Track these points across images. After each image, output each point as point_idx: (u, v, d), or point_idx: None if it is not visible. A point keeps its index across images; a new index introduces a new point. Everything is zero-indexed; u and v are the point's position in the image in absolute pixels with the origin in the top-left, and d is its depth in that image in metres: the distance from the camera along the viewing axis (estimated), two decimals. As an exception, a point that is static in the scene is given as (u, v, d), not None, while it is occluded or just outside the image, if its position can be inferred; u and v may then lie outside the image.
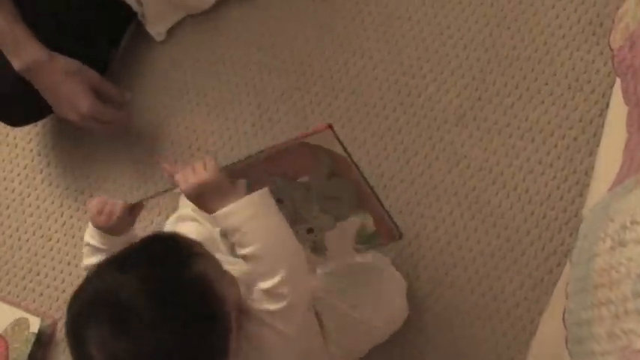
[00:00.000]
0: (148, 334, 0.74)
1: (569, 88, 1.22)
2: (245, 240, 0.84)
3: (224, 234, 0.96)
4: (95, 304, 0.77)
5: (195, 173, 0.85)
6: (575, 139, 1.20)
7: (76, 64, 1.23)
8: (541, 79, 1.24)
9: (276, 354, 0.88)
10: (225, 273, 0.86)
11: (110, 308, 0.76)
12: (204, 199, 0.86)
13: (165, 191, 0.98)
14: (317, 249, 1.07)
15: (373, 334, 1.10)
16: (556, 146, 1.21)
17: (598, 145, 1.14)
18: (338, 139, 0.91)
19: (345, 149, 0.93)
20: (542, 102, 1.23)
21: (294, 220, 0.99)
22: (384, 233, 1.03)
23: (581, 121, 1.21)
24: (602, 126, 1.15)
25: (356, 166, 0.95)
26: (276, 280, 0.84)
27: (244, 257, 0.85)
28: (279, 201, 0.94)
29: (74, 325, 0.77)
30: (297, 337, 0.88)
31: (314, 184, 0.97)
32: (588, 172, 1.18)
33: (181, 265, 0.80)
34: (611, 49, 1.06)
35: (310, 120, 1.32)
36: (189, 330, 0.76)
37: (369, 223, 1.02)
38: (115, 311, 0.75)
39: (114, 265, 0.81)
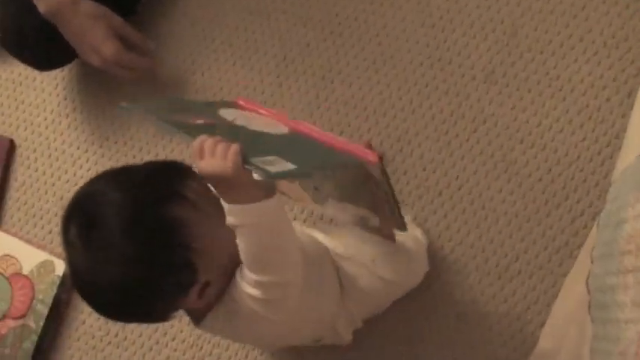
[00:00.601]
0: (104, 255, 0.80)
1: (605, 45, 1.18)
2: (241, 238, 0.82)
3: None
4: (77, 205, 0.84)
5: (217, 158, 0.78)
6: (608, 99, 1.17)
7: (101, 9, 1.22)
8: (575, 35, 1.20)
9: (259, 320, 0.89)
10: (211, 224, 0.84)
11: (84, 213, 0.83)
12: (216, 184, 0.82)
13: None
14: (316, 194, 1.03)
15: (392, 289, 1.10)
16: (587, 106, 1.18)
17: (632, 107, 1.10)
18: (384, 170, 0.87)
19: (388, 181, 0.88)
20: (576, 60, 1.19)
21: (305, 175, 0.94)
22: (385, 232, 1.02)
23: (615, 80, 1.17)
24: (638, 87, 1.12)
25: (392, 192, 0.90)
26: (265, 278, 0.83)
27: (240, 249, 0.83)
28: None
29: (63, 218, 0.84)
30: (279, 321, 0.90)
31: (340, 174, 0.93)
32: (620, 134, 1.15)
33: (158, 202, 0.82)
34: (652, 7, 1.02)
35: (335, 72, 1.29)
36: (143, 266, 0.81)
37: (375, 220, 0.99)
38: (85, 218, 0.82)
39: (109, 174, 0.87)
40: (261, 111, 1.03)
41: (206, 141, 0.79)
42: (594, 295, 0.86)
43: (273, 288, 0.84)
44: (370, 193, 0.92)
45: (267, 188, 0.81)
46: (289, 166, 0.79)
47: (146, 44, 1.29)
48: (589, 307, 0.87)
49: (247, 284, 0.85)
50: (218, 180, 0.79)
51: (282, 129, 0.95)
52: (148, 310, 0.87)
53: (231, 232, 0.82)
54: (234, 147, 0.77)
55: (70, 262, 0.84)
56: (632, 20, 1.18)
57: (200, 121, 0.90)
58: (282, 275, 0.84)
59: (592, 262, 0.89)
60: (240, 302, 0.87)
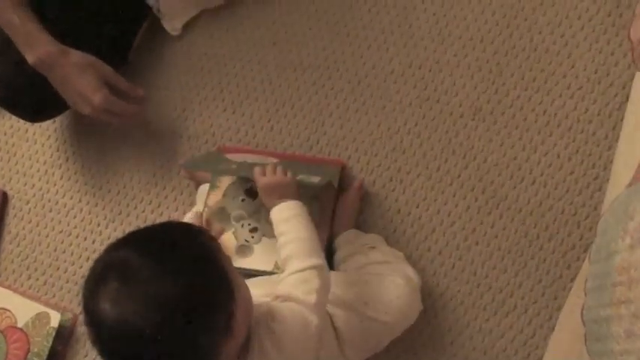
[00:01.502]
0: (149, 284, 0.78)
1: (588, 80, 1.21)
2: (293, 229, 1.02)
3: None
4: (104, 271, 0.81)
5: (278, 174, 1.09)
6: (593, 133, 1.19)
7: (88, 58, 1.23)
8: (559, 72, 1.23)
9: (300, 334, 0.92)
10: (230, 259, 0.90)
11: (121, 269, 0.80)
12: (272, 194, 1.07)
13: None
14: (244, 248, 1.21)
15: (386, 331, 1.09)
16: (574, 140, 1.20)
17: (617, 139, 1.12)
18: (340, 175, 1.23)
19: (339, 184, 1.20)
20: (560, 95, 1.22)
21: (250, 214, 1.23)
22: None
23: (599, 114, 1.19)
24: (622, 119, 1.14)
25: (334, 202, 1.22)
26: (310, 262, 0.97)
27: (287, 243, 1.01)
28: (255, 193, 1.20)
29: (87, 292, 0.81)
30: (319, 327, 0.94)
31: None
32: (607, 166, 1.16)
33: (183, 236, 0.86)
34: (631, 41, 1.04)
35: (325, 115, 1.31)
36: (191, 285, 0.79)
37: None
38: (124, 271, 0.80)
39: (125, 239, 0.85)
40: (245, 150, 1.31)
41: (266, 167, 1.10)
42: (589, 328, 0.86)
43: (314, 272, 0.97)
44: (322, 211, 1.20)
45: (298, 195, 1.08)
46: (316, 178, 1.14)
47: (135, 91, 1.30)
48: (585, 339, 0.87)
49: (299, 283, 0.96)
50: (277, 188, 1.07)
51: (273, 159, 1.23)
52: (196, 355, 0.81)
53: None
54: (289, 170, 1.10)
55: (104, 323, 0.79)
56: (613, 56, 1.20)
57: (234, 166, 1.22)
58: (320, 258, 1.00)
59: (585, 295, 0.89)
60: (280, 314, 0.91)
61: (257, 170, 1.10)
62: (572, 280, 1.14)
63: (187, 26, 1.42)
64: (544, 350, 1.13)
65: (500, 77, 1.25)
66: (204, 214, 1.23)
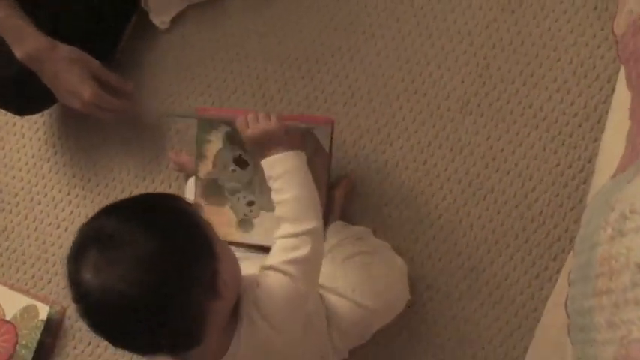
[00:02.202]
0: (133, 249, 0.77)
1: (574, 74, 1.22)
2: (286, 186, 0.96)
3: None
4: (87, 237, 0.80)
5: (261, 121, 1.00)
6: (579, 125, 1.20)
7: (77, 53, 1.23)
8: (545, 65, 1.23)
9: (285, 301, 0.90)
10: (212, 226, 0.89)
11: (100, 237, 0.79)
12: (262, 145, 0.99)
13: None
14: (245, 222, 1.18)
15: (373, 319, 1.10)
16: (560, 133, 1.21)
17: (602, 132, 1.13)
18: (332, 137, 1.08)
19: (331, 148, 1.08)
20: (546, 88, 1.22)
21: (245, 186, 1.16)
22: None
23: (585, 107, 1.20)
24: (607, 112, 1.15)
25: (328, 169, 1.13)
26: (303, 227, 0.93)
27: (280, 203, 0.96)
28: (244, 163, 1.15)
29: (69, 266, 0.80)
30: (306, 294, 0.93)
31: None
32: (593, 158, 1.17)
33: (162, 202, 0.87)
34: (615, 35, 1.05)
35: (314, 108, 1.32)
36: (172, 243, 0.79)
37: None
38: (103, 239, 0.79)
39: (105, 208, 0.84)
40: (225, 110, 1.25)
41: (247, 115, 1.01)
42: (573, 318, 0.87)
43: (306, 235, 0.93)
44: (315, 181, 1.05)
45: (294, 144, 1.00)
46: (305, 125, 1.06)
47: (124, 86, 1.30)
48: (568, 329, 0.88)
49: (279, 253, 0.92)
50: (265, 138, 0.98)
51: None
52: (183, 308, 0.81)
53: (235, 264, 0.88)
54: (273, 113, 1.00)
55: (89, 294, 0.78)
56: (598, 49, 1.21)
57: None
58: (316, 219, 0.95)
59: (569, 286, 0.90)
60: (274, 288, 0.89)
61: (239, 122, 1.01)
62: (558, 271, 1.16)
63: (175, 20, 1.42)
64: (529, 341, 1.14)
65: (486, 71, 1.25)
66: (197, 187, 1.19)
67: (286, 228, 0.94)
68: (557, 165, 1.20)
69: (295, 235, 0.93)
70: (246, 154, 1.15)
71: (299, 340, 0.96)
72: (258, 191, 1.16)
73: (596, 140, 1.18)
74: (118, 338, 0.80)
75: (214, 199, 1.19)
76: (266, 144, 0.99)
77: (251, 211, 1.17)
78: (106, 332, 0.79)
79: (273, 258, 0.93)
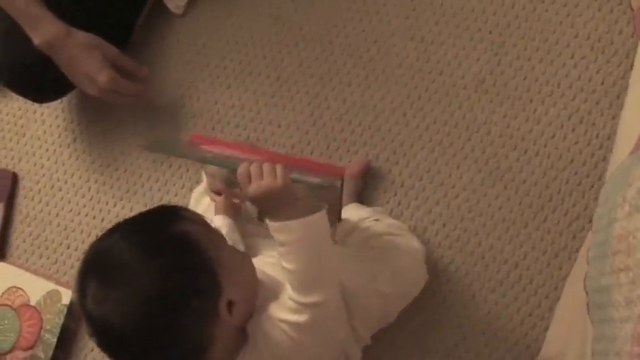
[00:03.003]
0: (130, 282, 0.80)
1: (592, 49, 1.20)
2: (290, 257, 0.86)
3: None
4: (88, 265, 0.83)
5: (266, 177, 0.85)
6: (597, 102, 1.18)
7: (94, 39, 1.24)
8: (562, 42, 1.22)
9: (287, 352, 0.89)
10: (222, 242, 0.89)
11: (99, 267, 0.82)
12: (267, 204, 0.87)
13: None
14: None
15: (394, 302, 1.10)
16: (578, 110, 1.19)
17: (621, 109, 1.12)
18: (342, 189, 0.95)
19: (341, 198, 0.98)
20: (564, 65, 1.21)
21: None
22: None
23: (603, 83, 1.18)
24: (626, 88, 1.13)
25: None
26: (305, 299, 0.86)
27: (285, 268, 0.87)
28: None
29: (76, 288, 0.83)
30: (311, 346, 0.90)
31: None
32: (611, 135, 1.16)
33: (163, 224, 0.84)
34: (632, 9, 1.03)
35: (328, 89, 1.31)
36: (169, 276, 0.80)
37: None
38: (102, 269, 0.81)
39: (110, 230, 0.86)
40: (221, 143, 1.10)
41: (251, 165, 0.85)
42: (592, 296, 0.86)
43: (318, 309, 0.86)
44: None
45: (312, 204, 0.86)
46: (314, 179, 0.90)
47: (140, 71, 1.31)
48: (587, 308, 0.88)
49: (281, 308, 0.87)
50: (269, 198, 0.85)
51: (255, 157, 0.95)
52: (184, 337, 0.82)
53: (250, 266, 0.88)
54: (279, 165, 0.85)
55: (96, 320, 0.81)
56: (616, 24, 1.19)
57: (209, 155, 0.99)
58: (323, 295, 0.86)
59: (588, 264, 0.90)
60: (276, 336, 0.87)
61: (241, 174, 0.87)
62: (577, 250, 1.14)
63: (190, 5, 1.42)
64: (550, 321, 1.14)
65: (502, 48, 1.24)
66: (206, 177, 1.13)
67: (289, 289, 0.87)
68: (576, 142, 1.18)
69: (296, 302, 0.86)
70: None
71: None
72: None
73: (615, 117, 1.16)
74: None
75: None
76: (269, 203, 0.87)
77: None
78: (111, 355, 0.84)
79: (276, 309, 0.88)
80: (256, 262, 0.95)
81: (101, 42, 1.25)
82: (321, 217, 0.86)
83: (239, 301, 0.85)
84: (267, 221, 0.87)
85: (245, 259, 0.92)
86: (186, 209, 0.92)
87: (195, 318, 0.81)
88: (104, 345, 0.82)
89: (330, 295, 0.88)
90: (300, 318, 0.86)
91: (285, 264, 0.86)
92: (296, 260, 0.85)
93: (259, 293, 0.91)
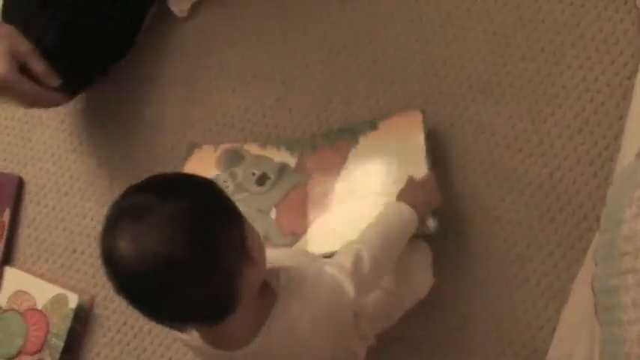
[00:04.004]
0: (162, 214, 0.77)
1: (597, 50, 1.19)
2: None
3: None
4: (117, 214, 0.80)
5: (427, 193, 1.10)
6: (603, 103, 1.18)
7: (8, 29, 1.19)
8: (567, 42, 1.21)
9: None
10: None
11: (129, 211, 0.79)
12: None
13: None
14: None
15: (400, 302, 1.10)
16: (584, 110, 1.19)
17: (627, 109, 1.11)
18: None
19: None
20: (569, 66, 1.20)
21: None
22: None
23: (609, 84, 1.18)
24: (632, 89, 1.12)
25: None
26: (368, 256, 0.95)
27: (374, 231, 1.00)
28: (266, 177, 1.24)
29: (104, 237, 0.79)
30: (354, 299, 0.92)
31: None
32: (618, 136, 1.15)
33: (188, 175, 0.88)
34: (638, 9, 1.03)
35: (333, 92, 1.31)
36: (199, 200, 0.80)
37: None
38: (133, 211, 0.78)
39: (134, 187, 0.83)
40: None
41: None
42: (599, 298, 0.86)
43: (370, 265, 0.95)
44: None
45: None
46: None
47: (49, 78, 1.23)
48: (595, 309, 0.87)
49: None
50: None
51: None
52: (219, 274, 0.80)
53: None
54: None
55: (125, 262, 0.77)
56: (622, 24, 1.19)
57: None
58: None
59: (595, 265, 0.89)
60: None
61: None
62: (585, 251, 1.14)
63: (194, 8, 1.42)
64: (557, 322, 1.13)
65: (507, 49, 1.24)
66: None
67: (360, 247, 0.96)
68: (582, 143, 1.18)
69: (360, 254, 0.95)
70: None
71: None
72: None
73: (622, 117, 1.15)
74: (152, 306, 0.80)
75: None
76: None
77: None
78: (141, 301, 0.79)
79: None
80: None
81: (14, 34, 1.19)
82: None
83: (257, 249, 0.84)
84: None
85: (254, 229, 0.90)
86: None
87: (228, 245, 0.80)
88: (135, 287, 0.78)
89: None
90: (363, 265, 0.93)
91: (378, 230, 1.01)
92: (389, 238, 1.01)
93: (280, 275, 0.90)
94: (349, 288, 0.91)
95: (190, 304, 0.79)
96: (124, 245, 0.77)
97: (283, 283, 0.89)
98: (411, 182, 1.11)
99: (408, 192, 1.09)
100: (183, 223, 0.77)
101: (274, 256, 0.92)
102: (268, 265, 0.88)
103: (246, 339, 0.87)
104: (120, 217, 0.79)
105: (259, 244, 0.86)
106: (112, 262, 0.78)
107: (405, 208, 1.05)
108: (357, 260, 0.94)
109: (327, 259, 0.97)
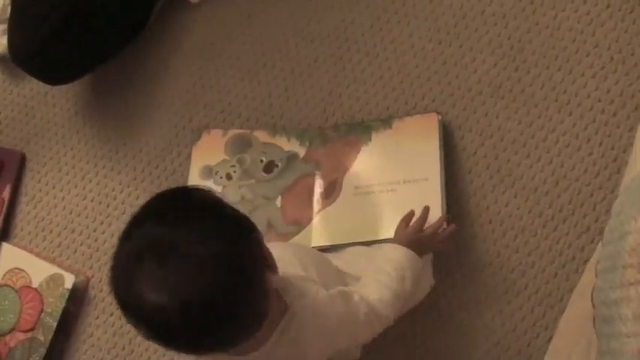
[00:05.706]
0: (188, 251, 0.74)
1: (611, 60, 1.18)
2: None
3: None
4: (140, 252, 0.75)
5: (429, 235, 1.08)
6: (614, 114, 1.17)
7: None
8: (582, 50, 1.20)
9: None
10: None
11: (154, 249, 0.74)
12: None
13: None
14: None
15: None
16: (594, 120, 1.18)
17: (639, 121, 1.10)
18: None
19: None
20: (583, 74, 1.19)
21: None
22: None
23: (621, 95, 1.17)
24: (644, 101, 1.12)
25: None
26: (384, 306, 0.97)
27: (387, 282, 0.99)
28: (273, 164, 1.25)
29: (122, 274, 0.76)
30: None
31: None
32: (627, 148, 1.14)
33: (191, 194, 0.82)
34: (656, 21, 1.02)
35: (342, 86, 1.30)
36: (224, 233, 0.76)
37: None
38: (158, 250, 0.74)
39: (151, 218, 0.79)
40: None
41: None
42: (599, 309, 0.85)
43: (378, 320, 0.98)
44: None
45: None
46: None
47: None
48: (594, 321, 0.87)
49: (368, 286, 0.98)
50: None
51: None
52: (259, 296, 0.78)
53: None
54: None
55: (162, 317, 0.73)
56: (638, 36, 1.18)
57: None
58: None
59: (596, 276, 0.88)
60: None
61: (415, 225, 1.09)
62: (585, 262, 1.13)
63: (207, -5, 1.42)
64: (553, 331, 1.13)
65: (521, 54, 1.23)
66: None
67: (381, 292, 0.98)
68: (590, 153, 1.17)
69: (381, 301, 0.97)
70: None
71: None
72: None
73: (632, 129, 1.14)
74: (191, 346, 0.77)
75: None
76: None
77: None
78: (179, 345, 0.77)
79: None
80: None
81: None
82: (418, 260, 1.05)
83: (274, 268, 0.83)
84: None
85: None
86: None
87: (258, 265, 0.78)
88: (168, 333, 0.75)
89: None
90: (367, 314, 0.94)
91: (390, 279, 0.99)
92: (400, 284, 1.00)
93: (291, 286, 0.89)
94: (361, 313, 0.93)
95: (231, 336, 0.77)
96: (155, 297, 0.72)
97: (295, 295, 0.87)
98: (418, 226, 1.09)
99: (416, 242, 1.06)
100: (218, 263, 0.74)
101: (281, 256, 0.89)
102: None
103: (253, 347, 0.85)
104: (140, 257, 0.74)
105: (267, 249, 0.84)
106: (144, 314, 0.74)
107: (418, 264, 1.05)
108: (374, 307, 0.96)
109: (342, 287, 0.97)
